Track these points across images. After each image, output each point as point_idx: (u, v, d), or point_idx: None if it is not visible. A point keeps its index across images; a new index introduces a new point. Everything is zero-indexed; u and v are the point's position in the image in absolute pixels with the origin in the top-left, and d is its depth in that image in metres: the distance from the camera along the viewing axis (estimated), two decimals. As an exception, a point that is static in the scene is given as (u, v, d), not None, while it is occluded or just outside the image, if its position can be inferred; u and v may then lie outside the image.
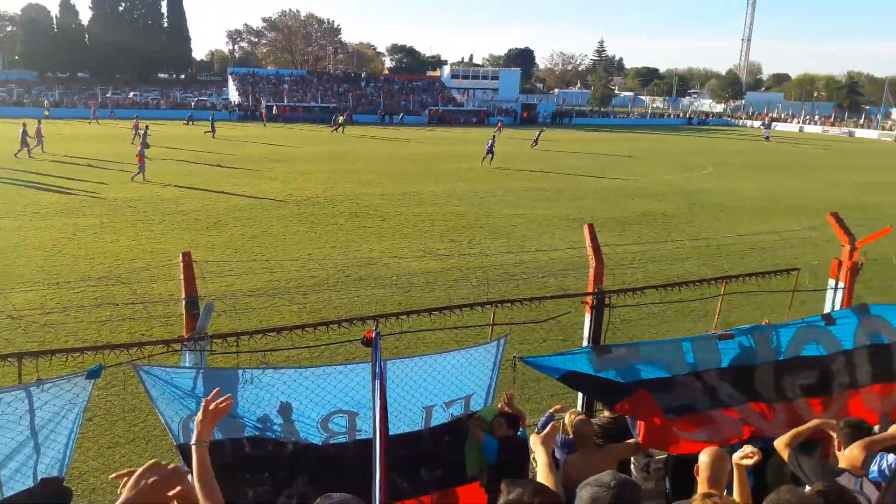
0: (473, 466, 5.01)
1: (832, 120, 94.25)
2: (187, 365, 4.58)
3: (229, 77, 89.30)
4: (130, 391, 7.35)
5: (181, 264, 4.86)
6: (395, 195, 26.10)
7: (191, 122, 61.13)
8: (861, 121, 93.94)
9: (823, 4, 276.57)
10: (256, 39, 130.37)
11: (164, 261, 15.06)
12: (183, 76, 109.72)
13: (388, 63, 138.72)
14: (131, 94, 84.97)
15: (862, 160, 48.46)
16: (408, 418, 4.72)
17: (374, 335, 4.02)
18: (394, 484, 4.75)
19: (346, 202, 24.22)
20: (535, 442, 3.25)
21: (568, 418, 5.74)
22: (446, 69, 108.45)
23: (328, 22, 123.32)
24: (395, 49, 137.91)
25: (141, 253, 16.39)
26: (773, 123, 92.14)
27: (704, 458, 3.60)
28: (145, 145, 34.04)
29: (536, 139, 48.48)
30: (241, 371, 4.33)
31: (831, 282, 6.87)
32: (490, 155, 37.14)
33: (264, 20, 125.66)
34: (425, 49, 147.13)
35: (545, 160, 40.38)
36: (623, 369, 5.15)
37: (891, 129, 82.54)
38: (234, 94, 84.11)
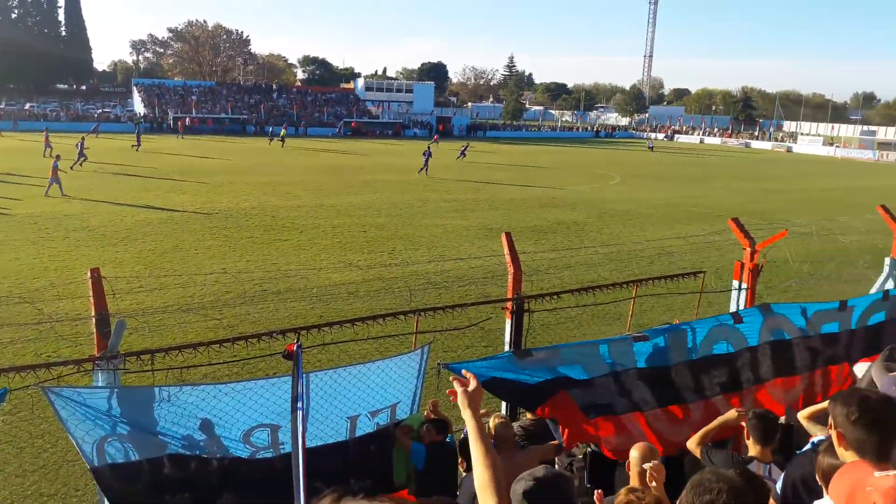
0: (400, 474, 5.02)
1: (730, 132, 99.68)
2: (100, 385, 4.39)
3: (134, 88, 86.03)
4: (39, 415, 6.94)
5: (90, 281, 4.66)
6: (312, 207, 25.77)
7: (96, 134, 58.53)
8: (756, 133, 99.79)
9: (720, 24, 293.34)
10: (162, 50, 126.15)
11: (70, 278, 14.32)
12: (84, 87, 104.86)
13: (301, 75, 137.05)
14: (28, 106, 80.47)
15: (758, 169, 51.45)
16: (332, 429, 4.68)
17: (295, 348, 3.97)
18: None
19: (262, 214, 23.72)
20: (462, 404, 2.80)
21: (492, 422, 5.83)
22: (360, 81, 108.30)
23: (237, 33, 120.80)
24: (308, 61, 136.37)
25: (44, 271, 15.52)
26: (676, 135, 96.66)
27: (635, 453, 3.73)
28: (83, 157, 34.83)
29: (463, 151, 49.12)
30: (157, 389, 4.19)
31: (735, 283, 7.27)
32: (426, 166, 38.21)
33: (170, 30, 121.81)
34: (338, 61, 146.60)
35: (462, 171, 40.87)
36: (544, 371, 5.26)
37: (782, 141, 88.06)
38: (139, 106, 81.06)
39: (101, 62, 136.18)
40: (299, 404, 3.67)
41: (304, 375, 4.36)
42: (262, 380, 4.44)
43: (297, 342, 4.08)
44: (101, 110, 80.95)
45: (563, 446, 5.31)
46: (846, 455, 2.57)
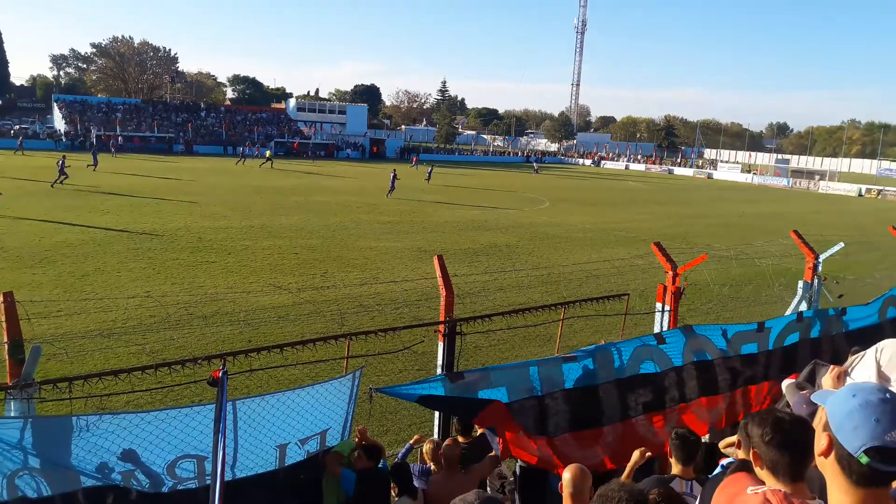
0: (331, 501, 4.95)
1: (653, 159, 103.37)
2: (13, 415, 4.18)
3: (54, 104, 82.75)
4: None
5: (2, 305, 4.45)
6: (241, 228, 25.25)
7: (21, 151, 56.13)
8: (678, 160, 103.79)
9: (644, 54, 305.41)
10: (85, 66, 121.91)
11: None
12: (0, 102, 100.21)
13: (230, 94, 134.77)
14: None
15: (680, 195, 53.45)
16: (261, 458, 4.58)
17: (220, 374, 3.87)
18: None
19: (188, 236, 23.08)
20: None
21: (426, 447, 5.83)
22: (292, 102, 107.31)
23: (164, 50, 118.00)
24: (238, 80, 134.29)
25: (-51, 295, 14.62)
26: (602, 162, 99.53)
27: (567, 475, 3.78)
28: (64, 175, 35.15)
29: (430, 174, 50.56)
30: (74, 418, 4.01)
31: (658, 305, 7.51)
32: (392, 188, 39.42)
33: (93, 45, 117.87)
34: (269, 81, 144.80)
35: (395, 193, 40.94)
36: (475, 393, 5.30)
37: (703, 168, 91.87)
38: (59, 123, 77.98)
39: (18, 76, 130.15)
40: (221, 432, 3.56)
41: (229, 403, 4.27)
42: (187, 408, 4.32)
43: (223, 368, 3.99)
44: (18, 126, 77.38)
45: (500, 455, 5.32)
46: (762, 474, 2.69)
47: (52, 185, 34.63)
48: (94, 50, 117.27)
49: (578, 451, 5.50)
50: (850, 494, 1.99)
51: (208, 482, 4.30)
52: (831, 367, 3.77)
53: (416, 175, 54.42)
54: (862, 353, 4.08)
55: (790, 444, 2.60)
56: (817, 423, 2.14)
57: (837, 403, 2.02)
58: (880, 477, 1.94)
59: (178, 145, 75.69)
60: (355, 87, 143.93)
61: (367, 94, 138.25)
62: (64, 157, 38.05)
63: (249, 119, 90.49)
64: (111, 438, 4.03)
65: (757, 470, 2.73)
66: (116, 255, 19.38)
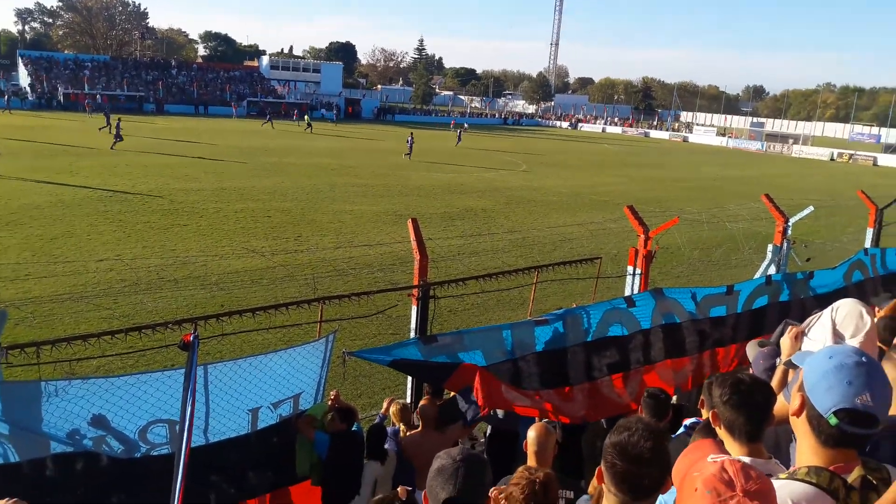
0: (304, 465, 4.99)
1: (630, 121, 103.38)
2: (-22, 381, 4.12)
3: (19, 60, 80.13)
4: None
5: (-33, 270, 4.37)
6: (213, 191, 24.92)
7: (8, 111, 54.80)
8: (655, 122, 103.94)
9: (623, 14, 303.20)
10: (51, 20, 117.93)
11: (-57, 267, 13.31)
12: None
13: (202, 51, 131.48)
14: None
15: (655, 158, 53.67)
16: (234, 423, 4.59)
17: (191, 338, 3.85)
18: (221, 490, 4.61)
19: (160, 198, 22.74)
20: None
21: (393, 409, 5.92)
22: (265, 60, 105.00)
23: (133, 5, 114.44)
24: (209, 36, 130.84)
25: (-89, 258, 14.32)
26: (580, 124, 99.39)
27: (531, 433, 3.86)
28: (119, 138, 35.86)
29: (460, 136, 51.91)
30: (43, 384, 3.97)
31: (629, 268, 7.60)
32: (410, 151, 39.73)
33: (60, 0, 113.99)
34: (242, 38, 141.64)
35: (369, 156, 40.56)
36: (449, 356, 5.34)
37: (679, 131, 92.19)
38: (24, 80, 75.68)
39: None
40: (190, 397, 3.56)
41: (201, 367, 4.25)
42: (159, 372, 4.30)
43: (195, 332, 3.97)
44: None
45: (480, 410, 5.37)
46: (721, 433, 2.77)
47: (111, 148, 35.52)
48: (61, 4, 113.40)
49: (564, 403, 5.62)
50: (819, 454, 2.04)
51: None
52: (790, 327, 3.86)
53: (346, 138, 53.79)
54: (819, 313, 4.19)
55: (747, 405, 2.67)
56: (793, 383, 2.19)
57: (814, 364, 2.06)
58: (848, 439, 1.98)
59: (148, 104, 74.00)
60: (330, 44, 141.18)
61: (343, 52, 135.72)
62: (119, 119, 38.84)
63: (222, 77, 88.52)
64: (81, 404, 4.00)
65: (717, 430, 2.82)
66: (86, 218, 19.06)
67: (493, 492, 2.81)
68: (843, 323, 4.25)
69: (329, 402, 5.27)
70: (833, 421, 1.95)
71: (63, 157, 31.42)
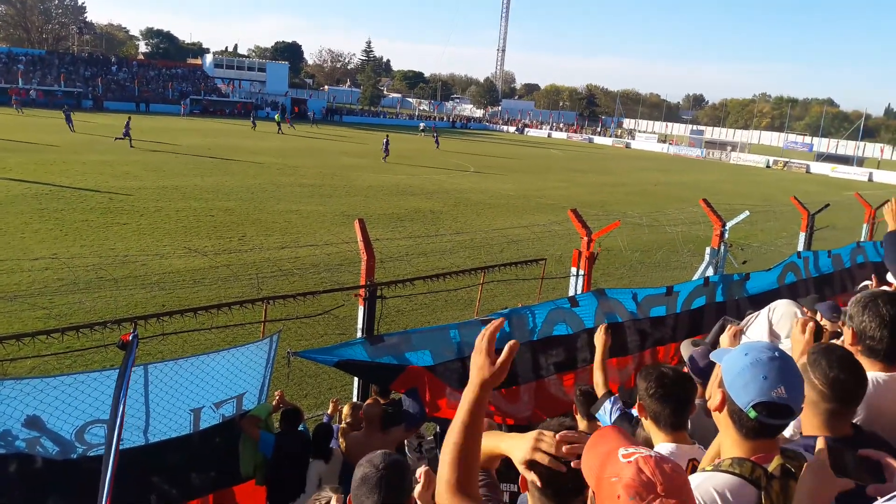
0: (248, 465, 4.94)
1: (575, 127, 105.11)
2: None
3: (-53, 52, 76.56)
4: None
5: None
6: (154, 189, 24.28)
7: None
8: (599, 129, 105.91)
9: (568, 23, 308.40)
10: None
11: None
12: None
13: (143, 48, 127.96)
14: None
15: (599, 164, 54.72)
16: (175, 423, 4.52)
17: (130, 338, 3.77)
18: (162, 491, 4.52)
19: (97, 196, 22.03)
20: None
21: (345, 409, 5.88)
22: (208, 58, 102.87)
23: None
24: (151, 33, 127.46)
25: None
26: (526, 129, 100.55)
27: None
28: (128, 137, 36.70)
29: (437, 140, 53.43)
30: (-28, 384, 3.84)
31: (573, 269, 7.75)
32: (386, 153, 40.54)
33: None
34: (185, 35, 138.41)
35: (315, 156, 40.17)
36: (396, 356, 5.34)
37: (622, 137, 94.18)
38: (-49, 72, 72.31)
39: None
40: (122, 397, 3.49)
41: (140, 367, 4.18)
42: (97, 372, 4.20)
43: (134, 332, 3.90)
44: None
45: (426, 414, 5.38)
46: (647, 424, 2.92)
47: (130, 146, 36.57)
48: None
49: (509, 405, 5.66)
50: (741, 445, 2.15)
51: (122, 447, 4.22)
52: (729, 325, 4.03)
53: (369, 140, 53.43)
54: (757, 313, 4.37)
55: (670, 398, 2.87)
56: (713, 380, 2.30)
57: (731, 361, 2.16)
58: (767, 429, 2.10)
59: (87, 101, 71.62)
60: (276, 44, 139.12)
61: (289, 52, 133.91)
62: (129, 118, 40.02)
63: (164, 75, 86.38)
64: (13, 405, 3.90)
65: (644, 422, 2.98)
66: (20, 216, 18.33)
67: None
68: (780, 323, 4.45)
69: (274, 403, 5.22)
70: (752, 414, 2.06)
71: (-7, 153, 30.14)
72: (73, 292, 12.12)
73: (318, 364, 6.23)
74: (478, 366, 2.05)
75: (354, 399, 6.34)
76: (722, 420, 2.21)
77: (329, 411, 6.31)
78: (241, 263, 15.11)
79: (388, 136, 43.07)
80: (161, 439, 4.44)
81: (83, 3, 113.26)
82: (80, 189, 23.03)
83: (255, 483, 4.98)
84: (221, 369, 4.61)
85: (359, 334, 6.27)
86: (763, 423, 2.07)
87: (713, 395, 2.23)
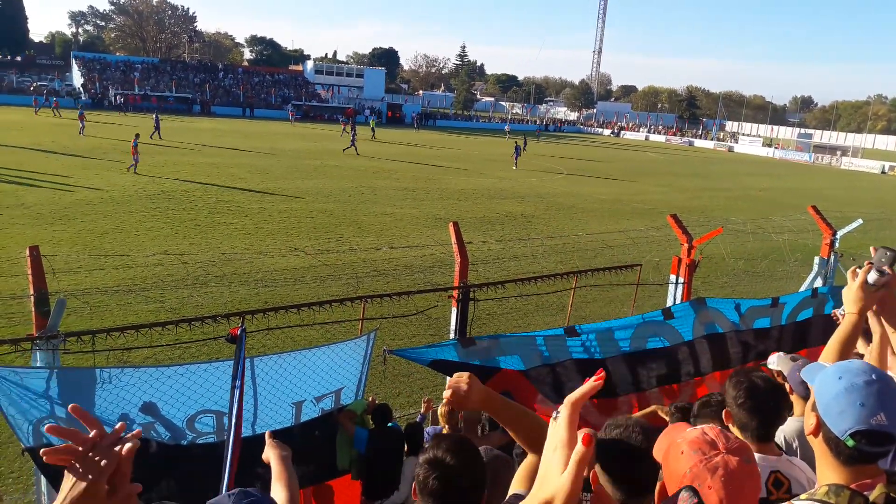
0: (344, 459, 5.07)
1: (674, 130, 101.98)
2: (39, 365, 4.30)
3: (73, 61, 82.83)
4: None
5: (28, 259, 4.55)
6: (258, 191, 25.39)
7: (56, 113, 56.14)
8: (699, 131, 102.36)
9: (667, 23, 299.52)
10: (103, 23, 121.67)
11: (4, 257, 13.81)
12: (19, 58, 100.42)
13: (248, 55, 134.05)
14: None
15: (700, 167, 52.86)
16: (278, 415, 4.69)
17: (239, 332, 3.96)
18: (266, 482, 4.71)
19: (205, 197, 23.26)
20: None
21: (441, 409, 5.95)
22: (309, 64, 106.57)
23: (183, 9, 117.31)
24: (255, 41, 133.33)
25: (-27, 249, 14.91)
26: (622, 132, 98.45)
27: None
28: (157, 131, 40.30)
29: (524, 146, 46.24)
30: (97, 370, 4.12)
31: (672, 277, 7.52)
32: (517, 156, 41.23)
33: (112, 3, 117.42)
34: (287, 42, 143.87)
35: (413, 158, 40.80)
36: (486, 360, 5.37)
37: (724, 140, 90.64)
38: (77, 80, 78.15)
39: (37, 33, 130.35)
40: (237, 384, 3.66)
41: (248, 360, 4.37)
42: (207, 363, 4.41)
43: (242, 326, 4.07)
44: (36, 83, 77.60)
45: None
46: (734, 430, 2.81)
47: (150, 137, 39.08)
48: (113, 7, 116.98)
49: (600, 417, 5.58)
50: (839, 471, 2.02)
51: (227, 437, 4.43)
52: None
53: (385, 146, 53.96)
54: None
55: (759, 410, 2.76)
56: (808, 402, 2.19)
57: (824, 385, 2.04)
58: (868, 456, 1.97)
59: (196, 106, 75.72)
60: (373, 50, 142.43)
61: (386, 58, 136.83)
62: (157, 114, 44.40)
63: (267, 81, 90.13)
64: (132, 391, 4.13)
65: (729, 426, 2.88)
66: (135, 214, 19.59)
67: None
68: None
69: (369, 399, 5.36)
70: (850, 443, 1.94)
71: (113, 155, 32.32)
72: (183, 287, 12.84)
73: (412, 364, 6.35)
74: (561, 442, 1.62)
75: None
76: (818, 445, 2.08)
77: (423, 410, 6.40)
78: (339, 263, 15.56)
79: (517, 141, 43.68)
80: (265, 431, 4.62)
81: (194, 13, 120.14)
82: (189, 189, 24.35)
83: (350, 478, 5.11)
84: (322, 364, 4.76)
85: (451, 335, 6.34)
86: (863, 451, 1.95)
87: (807, 419, 2.12)
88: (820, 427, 2.04)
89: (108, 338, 4.71)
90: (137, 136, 29.00)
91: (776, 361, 4.26)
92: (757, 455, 2.69)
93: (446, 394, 2.07)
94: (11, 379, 3.87)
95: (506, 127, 78.23)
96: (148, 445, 4.25)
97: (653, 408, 5.01)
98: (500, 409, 2.17)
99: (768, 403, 2.76)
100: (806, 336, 6.64)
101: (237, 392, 3.68)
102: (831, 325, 6.89)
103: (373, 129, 57.78)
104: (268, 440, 2.61)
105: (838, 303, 7.01)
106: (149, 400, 4.22)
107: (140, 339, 5.45)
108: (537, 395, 5.38)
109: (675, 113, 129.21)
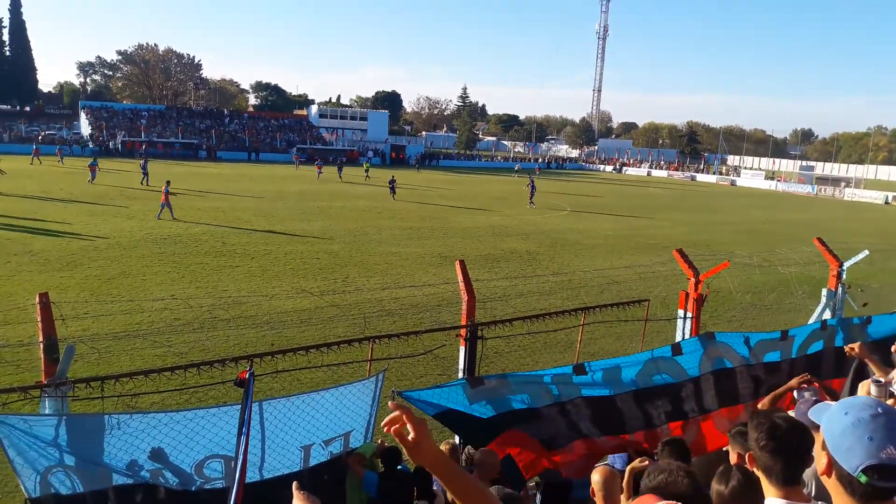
0: (354, 503, 5.01)
1: (676, 165, 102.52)
2: (48, 412, 4.28)
3: (81, 111, 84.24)
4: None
5: (38, 305, 4.57)
6: (264, 233, 25.52)
7: (60, 160, 56.81)
8: (701, 166, 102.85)
9: (665, 61, 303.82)
10: (111, 73, 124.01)
11: (12, 304, 13.85)
12: (28, 108, 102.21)
13: (253, 100, 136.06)
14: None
15: (703, 202, 53.01)
16: (287, 459, 4.65)
17: (247, 375, 3.94)
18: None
19: (211, 240, 23.38)
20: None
21: (443, 447, 5.89)
22: (314, 108, 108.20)
23: (188, 57, 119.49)
24: (260, 87, 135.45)
25: (-18, 297, 14.96)
26: (624, 168, 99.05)
27: (597, 477, 3.81)
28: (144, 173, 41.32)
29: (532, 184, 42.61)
30: (106, 417, 4.11)
31: (680, 312, 7.49)
32: (532, 194, 40.97)
33: (119, 53, 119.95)
34: (291, 87, 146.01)
35: (418, 198, 41.05)
36: (495, 400, 5.33)
37: (726, 174, 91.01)
38: (85, 129, 79.35)
39: (46, 83, 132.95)
40: (244, 433, 3.64)
41: (256, 404, 4.34)
42: (215, 408, 4.39)
43: (250, 369, 4.06)
44: (44, 132, 78.77)
45: (524, 477, 5.35)
46: (759, 474, 2.72)
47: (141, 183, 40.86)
48: (120, 57, 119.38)
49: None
50: None
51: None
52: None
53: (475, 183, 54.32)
54: None
55: (783, 451, 2.63)
56: (817, 441, 2.16)
57: (831, 422, 2.03)
58: (882, 492, 1.94)
59: (202, 151, 76.64)
60: (376, 93, 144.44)
61: (388, 101, 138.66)
62: (146, 160, 44.90)
63: (272, 125, 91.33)
64: (141, 437, 4.10)
65: (754, 470, 2.78)
66: (141, 259, 19.68)
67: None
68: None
69: (378, 442, 5.31)
70: (863, 479, 1.91)
71: (118, 200, 32.62)
72: (191, 331, 12.83)
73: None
74: None
75: (456, 440, 6.34)
76: (832, 485, 2.05)
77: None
78: (346, 304, 15.55)
79: (533, 179, 44.01)
80: (273, 476, 4.58)
81: (199, 61, 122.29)
82: (195, 233, 24.50)
83: (359, 522, 5.04)
84: (331, 406, 4.73)
85: (460, 374, 6.30)
86: (877, 487, 1.91)
87: (818, 459, 2.09)
88: (832, 465, 2.02)
89: (116, 383, 4.69)
90: (168, 182, 29.29)
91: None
92: (783, 502, 2.61)
93: (388, 429, 2.00)
94: (21, 427, 3.86)
95: (516, 166, 78.83)
96: (156, 492, 4.21)
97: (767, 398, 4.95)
98: (453, 479, 2.07)
99: (792, 443, 2.65)
100: (817, 369, 6.59)
101: (244, 437, 3.65)
102: (843, 357, 6.86)
103: (366, 171, 58.33)
104: (295, 492, 2.52)
105: (848, 334, 7.00)
106: (157, 446, 4.19)
107: (148, 385, 5.43)
108: (545, 453, 5.35)
109: (677, 148, 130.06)
